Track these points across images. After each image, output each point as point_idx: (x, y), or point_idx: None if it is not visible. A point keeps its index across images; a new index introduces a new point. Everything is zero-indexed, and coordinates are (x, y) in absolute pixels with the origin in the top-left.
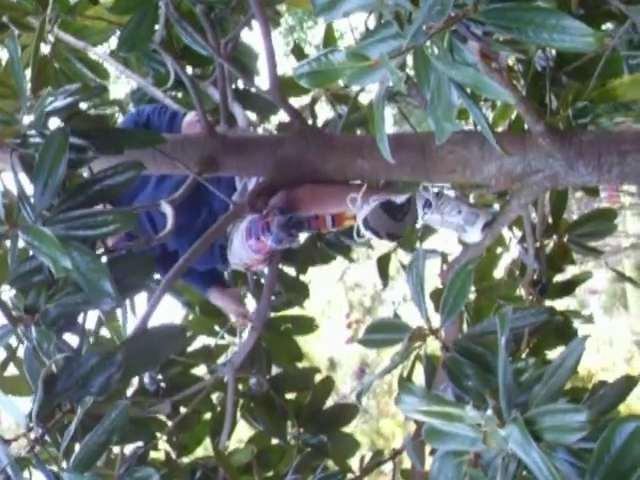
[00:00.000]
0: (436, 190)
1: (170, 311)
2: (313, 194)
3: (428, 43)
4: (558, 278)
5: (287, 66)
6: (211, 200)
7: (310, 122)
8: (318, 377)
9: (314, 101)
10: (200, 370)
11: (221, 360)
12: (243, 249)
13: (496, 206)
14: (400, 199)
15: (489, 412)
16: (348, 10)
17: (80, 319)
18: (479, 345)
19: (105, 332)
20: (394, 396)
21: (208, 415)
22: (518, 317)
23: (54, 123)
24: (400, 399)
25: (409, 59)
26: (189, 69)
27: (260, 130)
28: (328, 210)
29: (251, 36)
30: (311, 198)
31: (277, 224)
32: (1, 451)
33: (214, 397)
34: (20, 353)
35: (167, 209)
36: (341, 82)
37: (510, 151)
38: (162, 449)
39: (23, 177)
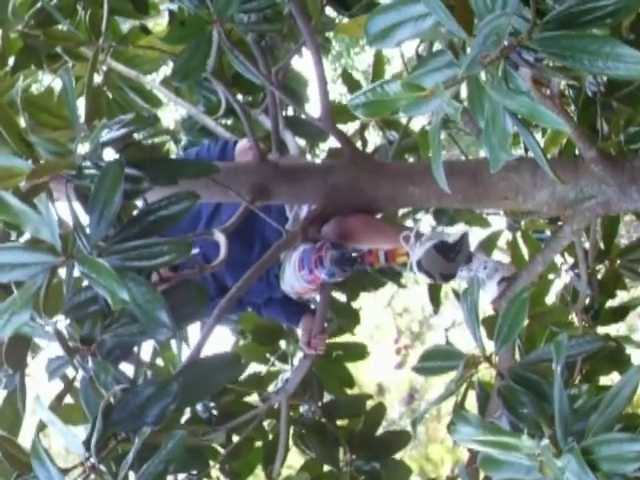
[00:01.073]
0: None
1: (220, 339)
2: (366, 226)
3: (482, 72)
4: (608, 303)
5: (335, 92)
6: (263, 232)
7: (360, 148)
8: (370, 403)
9: (364, 127)
10: (251, 397)
11: (272, 387)
12: (295, 279)
13: (548, 232)
14: (453, 238)
15: (545, 441)
16: (401, 39)
17: (135, 349)
18: (534, 373)
19: (159, 361)
20: (443, 422)
21: (260, 442)
22: (573, 345)
23: (107, 153)
24: (456, 429)
25: (462, 87)
26: (239, 97)
27: (309, 157)
28: (380, 244)
29: (300, 62)
30: (364, 230)
31: (330, 259)
32: None
33: (265, 424)
34: (76, 383)
35: (220, 237)
36: None
37: (563, 178)
38: (214, 476)
39: (77, 207)
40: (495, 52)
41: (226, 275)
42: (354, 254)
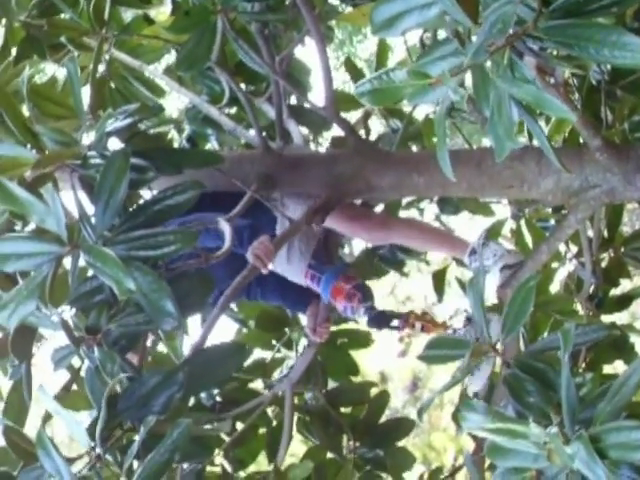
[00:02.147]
0: (482, 240)
1: (221, 327)
2: (406, 230)
3: (487, 60)
4: (612, 292)
5: (337, 80)
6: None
7: (363, 136)
8: (373, 391)
9: (367, 115)
10: (254, 383)
11: (276, 374)
12: (298, 280)
13: (552, 221)
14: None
15: (554, 429)
16: (406, 28)
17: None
18: (540, 361)
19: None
20: (446, 410)
21: (263, 430)
22: (579, 333)
23: (112, 142)
24: (463, 416)
25: (467, 76)
26: (242, 86)
27: (312, 146)
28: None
29: (302, 51)
30: (390, 231)
31: (366, 314)
32: (65, 471)
33: (269, 411)
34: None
35: (225, 227)
36: None
37: (568, 166)
38: (218, 464)
39: (83, 197)
40: (501, 40)
41: (218, 272)
42: (391, 318)
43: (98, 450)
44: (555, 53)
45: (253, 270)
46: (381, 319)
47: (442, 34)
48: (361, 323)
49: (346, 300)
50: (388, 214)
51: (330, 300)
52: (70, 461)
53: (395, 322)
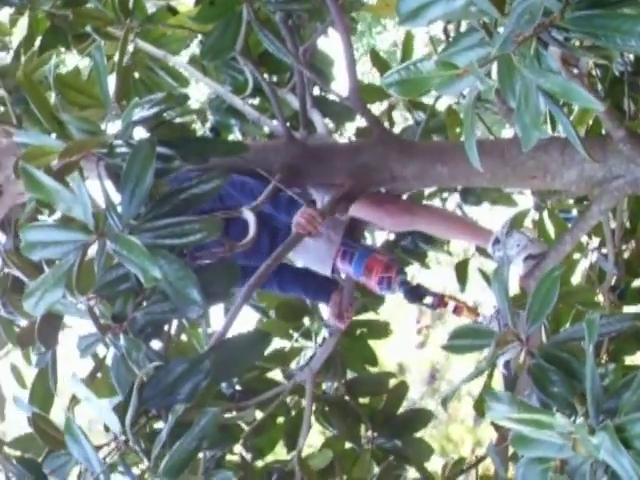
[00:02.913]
0: (506, 229)
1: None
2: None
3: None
4: (634, 283)
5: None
6: (269, 221)
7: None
8: (392, 382)
9: (391, 107)
10: (273, 372)
11: (294, 363)
12: (319, 260)
13: (574, 211)
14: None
15: (580, 419)
16: (433, 18)
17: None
18: (564, 351)
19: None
20: (463, 401)
21: (282, 419)
22: (603, 324)
23: (137, 132)
24: (488, 406)
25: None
26: (266, 76)
27: (336, 137)
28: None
29: (324, 42)
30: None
31: (402, 287)
32: (94, 457)
33: (288, 400)
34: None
35: (249, 216)
36: None
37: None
38: (237, 452)
39: (109, 186)
40: (528, 31)
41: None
42: (426, 294)
43: (126, 437)
44: (578, 44)
45: (295, 240)
46: (416, 293)
47: (464, 25)
48: (394, 298)
49: (383, 271)
50: (412, 201)
51: (363, 276)
52: (98, 448)
53: (429, 299)
